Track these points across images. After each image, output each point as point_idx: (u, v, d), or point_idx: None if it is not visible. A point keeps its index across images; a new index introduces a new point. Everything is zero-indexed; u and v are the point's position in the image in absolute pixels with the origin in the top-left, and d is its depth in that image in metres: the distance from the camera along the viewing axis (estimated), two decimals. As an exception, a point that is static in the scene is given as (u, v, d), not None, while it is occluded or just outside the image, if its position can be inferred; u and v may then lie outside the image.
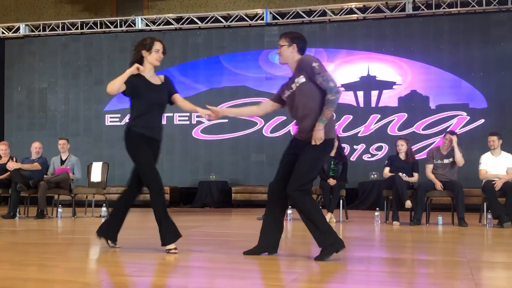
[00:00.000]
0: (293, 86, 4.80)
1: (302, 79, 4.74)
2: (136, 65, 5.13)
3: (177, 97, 5.34)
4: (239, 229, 8.27)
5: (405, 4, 12.75)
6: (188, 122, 13.56)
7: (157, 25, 14.06)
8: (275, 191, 4.91)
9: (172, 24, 13.97)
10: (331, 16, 13.16)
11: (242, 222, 9.33)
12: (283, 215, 5.04)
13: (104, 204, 9.90)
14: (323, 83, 4.66)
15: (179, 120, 13.74)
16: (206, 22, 13.76)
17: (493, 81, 12.30)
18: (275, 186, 4.92)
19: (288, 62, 4.90)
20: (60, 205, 9.80)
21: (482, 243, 6.67)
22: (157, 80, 5.26)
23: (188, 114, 13.50)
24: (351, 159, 12.09)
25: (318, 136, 4.64)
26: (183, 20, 13.93)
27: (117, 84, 5.10)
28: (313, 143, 4.66)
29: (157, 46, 5.18)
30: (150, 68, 5.23)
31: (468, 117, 12.32)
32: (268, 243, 4.96)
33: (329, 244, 4.65)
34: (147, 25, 14.11)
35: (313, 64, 4.69)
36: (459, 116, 12.36)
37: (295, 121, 4.92)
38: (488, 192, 8.37)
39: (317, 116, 4.67)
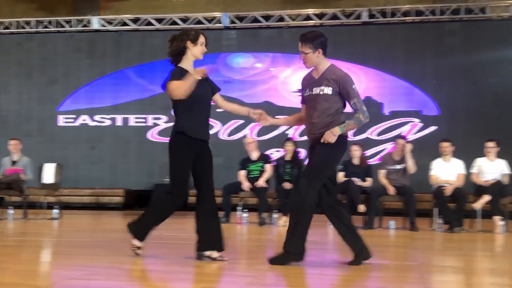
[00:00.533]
0: (316, 90, 4.75)
1: (328, 90, 4.69)
2: (202, 70, 4.70)
3: (218, 97, 5.04)
4: (194, 233, 8.20)
5: (361, 12, 12.94)
6: (144, 124, 13.44)
7: (114, 26, 13.90)
8: (323, 204, 4.83)
9: (129, 25, 13.84)
10: (288, 21, 13.26)
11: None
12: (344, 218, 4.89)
13: (56, 206, 9.72)
14: (357, 104, 4.63)
15: (135, 122, 13.59)
16: (164, 24, 13.67)
17: (445, 89, 12.57)
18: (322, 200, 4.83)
19: (315, 65, 4.85)
20: (11, 207, 9.59)
21: (432, 248, 6.81)
22: (197, 75, 4.94)
23: (144, 116, 13.39)
24: (306, 163, 12.14)
25: (330, 139, 4.59)
26: (140, 21, 13.81)
27: (186, 88, 4.68)
28: (322, 140, 4.64)
29: (202, 39, 4.91)
30: (192, 61, 4.94)
31: (421, 124, 12.56)
32: (362, 247, 4.86)
33: (292, 251, 4.63)
34: (103, 25, 13.95)
35: (352, 87, 4.66)
36: (412, 123, 12.59)
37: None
38: (439, 198, 8.56)
39: (325, 127, 4.64)
